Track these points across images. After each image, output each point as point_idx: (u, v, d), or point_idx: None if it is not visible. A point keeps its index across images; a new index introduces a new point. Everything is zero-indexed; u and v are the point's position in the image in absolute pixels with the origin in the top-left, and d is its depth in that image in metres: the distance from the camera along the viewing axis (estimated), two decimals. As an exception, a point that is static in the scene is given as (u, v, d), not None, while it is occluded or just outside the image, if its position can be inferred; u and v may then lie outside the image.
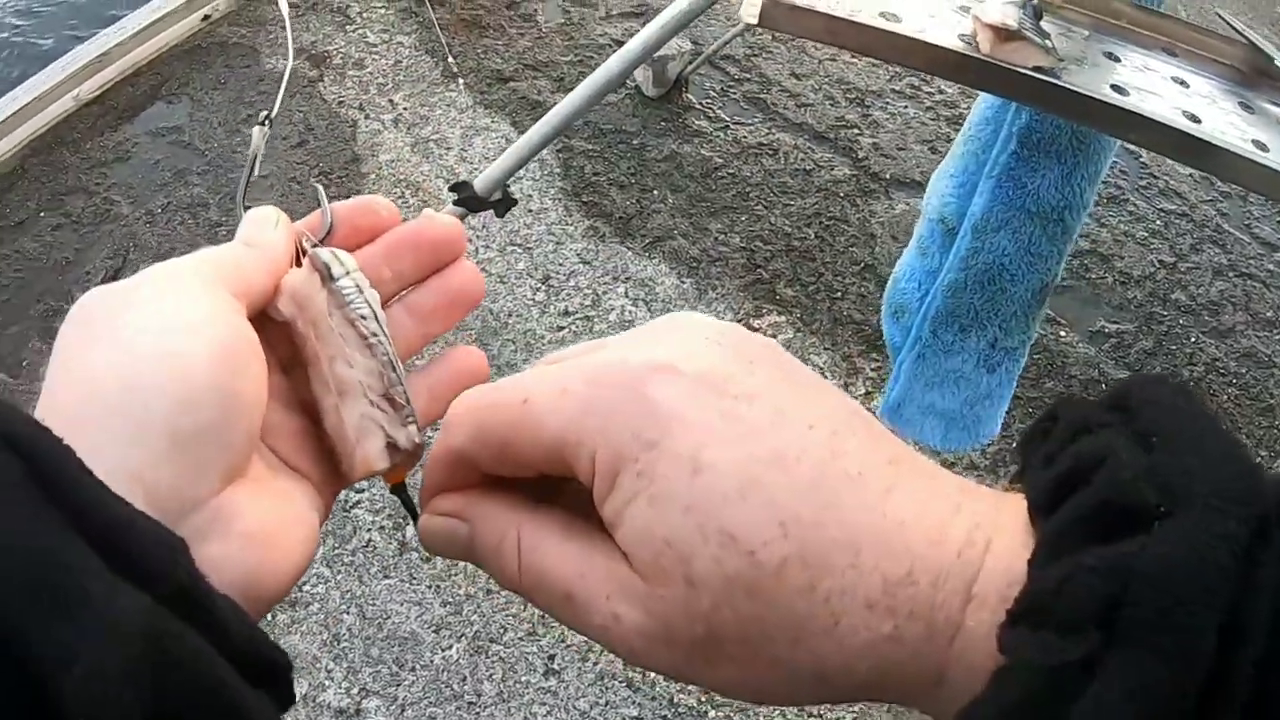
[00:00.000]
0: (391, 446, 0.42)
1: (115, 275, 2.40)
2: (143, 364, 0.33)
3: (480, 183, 1.39)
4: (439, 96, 2.60)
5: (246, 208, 0.44)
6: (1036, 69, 1.08)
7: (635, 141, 2.46)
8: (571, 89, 1.36)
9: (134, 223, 2.48)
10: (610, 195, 2.38)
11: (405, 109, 2.57)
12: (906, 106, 2.62)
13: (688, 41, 2.58)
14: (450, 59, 2.58)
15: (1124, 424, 0.29)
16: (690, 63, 2.57)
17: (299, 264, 0.42)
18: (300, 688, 1.83)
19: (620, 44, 2.67)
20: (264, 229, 0.41)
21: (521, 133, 2.48)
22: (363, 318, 0.41)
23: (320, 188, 0.47)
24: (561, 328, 2.17)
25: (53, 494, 0.28)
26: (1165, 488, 0.26)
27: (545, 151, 2.43)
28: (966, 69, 1.10)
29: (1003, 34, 1.07)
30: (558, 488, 0.36)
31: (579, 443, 0.32)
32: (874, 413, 1.97)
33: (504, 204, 1.40)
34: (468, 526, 0.37)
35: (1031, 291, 1.53)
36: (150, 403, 0.33)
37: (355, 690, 1.82)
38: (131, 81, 2.77)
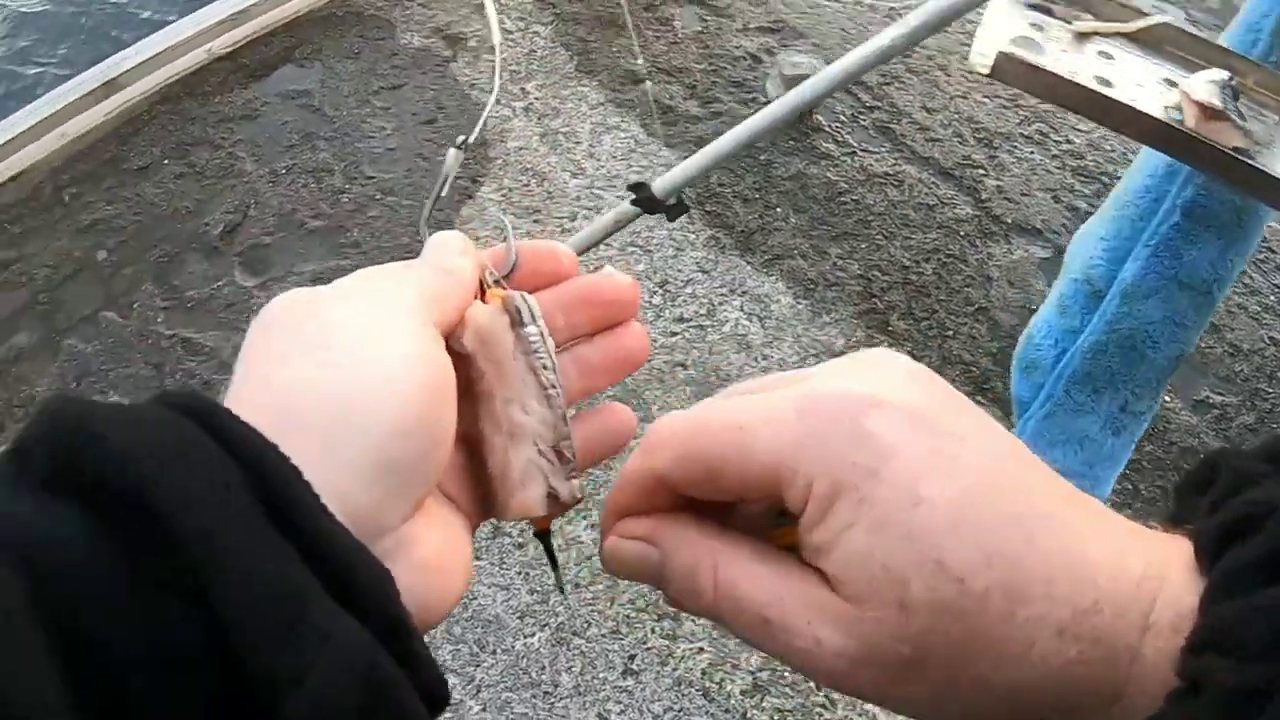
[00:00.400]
0: (552, 497, 0.42)
1: (234, 230, 2.42)
2: (362, 387, 0.34)
3: (659, 185, 1.39)
4: (571, 90, 2.60)
5: (431, 228, 0.44)
6: (1235, 149, 1.11)
7: (763, 157, 2.45)
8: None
9: (256, 180, 2.50)
10: (734, 208, 2.37)
11: (536, 99, 2.58)
12: (1033, 152, 2.59)
13: (822, 62, 2.57)
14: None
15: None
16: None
17: (480, 296, 0.43)
18: (380, 658, 1.83)
19: (755, 58, 2.68)
20: (453, 256, 0.42)
21: (651, 135, 2.50)
22: (545, 368, 0.41)
23: (508, 223, 0.47)
24: (675, 334, 2.16)
25: (280, 513, 0.29)
26: None
27: (673, 158, 2.43)
28: (1174, 141, 1.17)
29: (1208, 112, 1.13)
30: (730, 510, 0.38)
31: (795, 471, 0.33)
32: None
33: (678, 209, 1.40)
34: (659, 552, 0.37)
35: (1169, 360, 1.54)
36: (368, 426, 0.33)
37: (434, 667, 1.82)
38: (265, 41, 2.80)
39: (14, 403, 2.25)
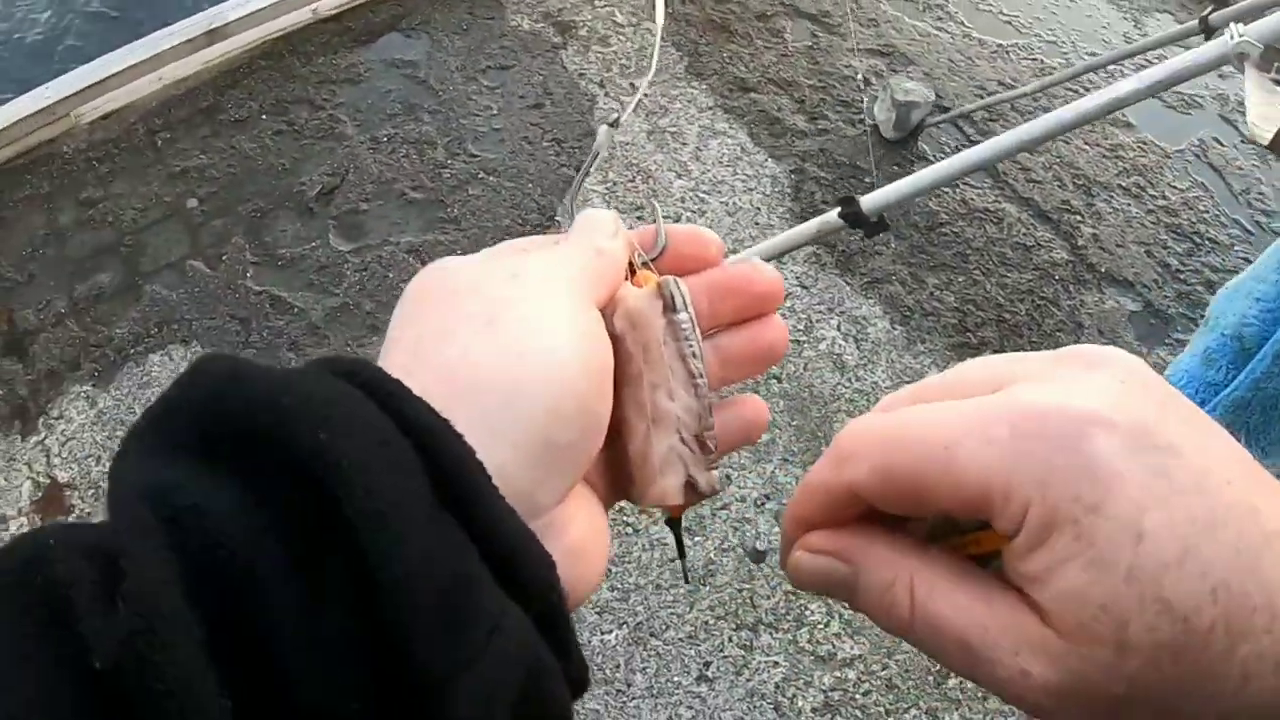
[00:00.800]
0: (690, 486, 0.41)
1: (331, 192, 2.41)
2: (530, 365, 0.33)
3: (867, 201, 1.39)
4: (680, 91, 2.59)
5: (579, 206, 0.43)
6: None
7: (867, 179, 2.44)
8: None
9: (357, 145, 2.49)
10: (836, 226, 2.37)
11: (646, 95, 2.56)
12: (1129, 204, 2.58)
13: (932, 92, 2.56)
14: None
15: None
16: (931, 113, 2.55)
17: (629, 276, 0.43)
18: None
19: (865, 80, 2.67)
20: (606, 235, 0.41)
21: (757, 144, 2.49)
22: (693, 355, 0.41)
23: (658, 206, 0.47)
24: (772, 345, 2.15)
25: (451, 494, 0.28)
26: None
27: (778, 169, 2.42)
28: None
29: None
30: (919, 524, 0.36)
31: (1008, 496, 0.30)
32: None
33: (879, 227, 1.39)
34: (849, 567, 0.35)
35: None
36: (535, 409, 0.33)
37: (508, 655, 1.81)
38: (371, 8, 2.79)
39: (91, 342, 2.23)
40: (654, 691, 1.78)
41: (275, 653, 0.25)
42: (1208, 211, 2.61)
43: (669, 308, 0.40)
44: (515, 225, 2.30)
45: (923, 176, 1.39)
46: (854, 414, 2.07)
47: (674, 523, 0.45)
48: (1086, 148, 2.67)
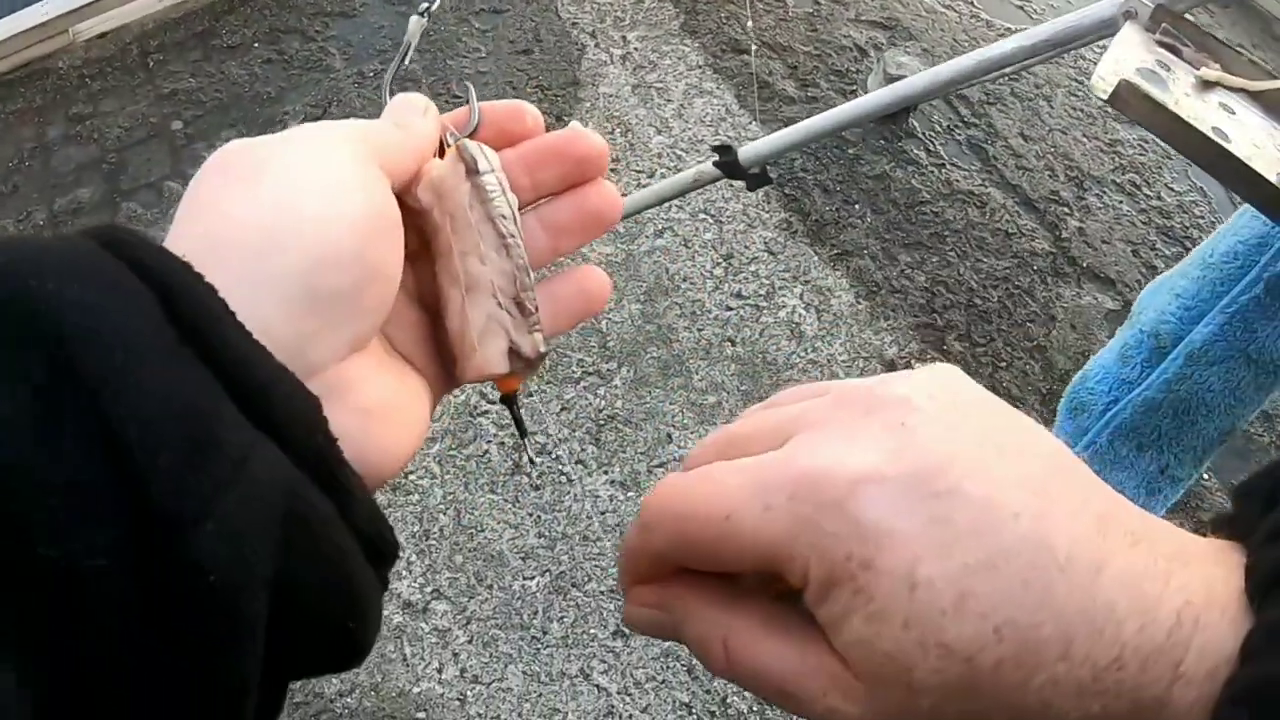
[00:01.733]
0: (514, 353, 0.41)
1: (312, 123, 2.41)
2: (288, 217, 0.33)
3: (745, 152, 1.36)
4: (672, 47, 2.56)
5: (393, 93, 0.43)
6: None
7: (850, 151, 2.40)
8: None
9: (343, 79, 2.49)
10: (812, 195, 2.33)
11: (636, 49, 2.54)
12: (1122, 201, 2.53)
13: (928, 67, 2.52)
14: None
15: None
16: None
17: (441, 156, 0.42)
18: (377, 572, 1.82)
19: (861, 50, 2.63)
20: (413, 115, 0.41)
21: (744, 107, 2.46)
22: (503, 216, 0.40)
23: (470, 86, 0.45)
24: (730, 309, 2.13)
25: (194, 336, 0.27)
26: None
27: (761, 133, 2.39)
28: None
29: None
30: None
31: (791, 557, 0.31)
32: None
33: (760, 179, 1.37)
34: (673, 618, 0.37)
35: (1220, 431, 1.51)
36: (291, 257, 0.32)
37: (429, 589, 1.81)
38: (374, -57, 2.78)
39: (65, 253, 2.25)
40: (568, 642, 1.78)
41: (12, 509, 0.24)
42: (1203, 217, 2.55)
43: (471, 170, 0.40)
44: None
45: (798, 129, 1.36)
46: (806, 382, 2.05)
47: (509, 399, 0.44)
48: (1084, 140, 2.61)
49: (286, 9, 2.63)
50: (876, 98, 1.32)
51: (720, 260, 2.20)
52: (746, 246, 2.23)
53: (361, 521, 0.31)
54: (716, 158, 1.39)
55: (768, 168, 1.39)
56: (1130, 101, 1.14)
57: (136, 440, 0.25)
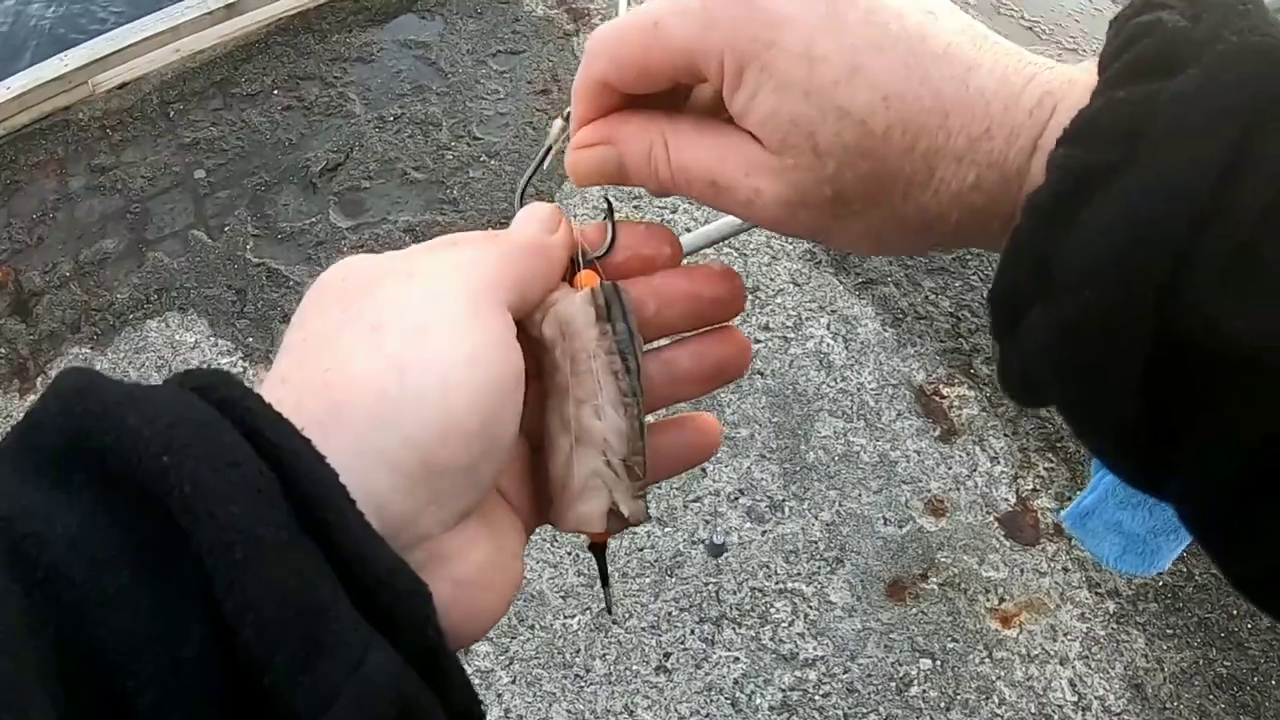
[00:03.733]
0: (614, 514, 0.38)
1: (335, 169, 2.43)
2: (413, 382, 0.31)
3: None
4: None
5: (527, 199, 0.40)
6: None
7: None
8: None
9: (364, 124, 2.51)
10: (834, 225, 2.35)
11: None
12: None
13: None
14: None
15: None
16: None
17: (570, 273, 0.39)
18: (418, 617, 1.83)
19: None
20: (545, 230, 0.38)
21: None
22: (627, 373, 0.37)
23: (611, 203, 0.42)
24: (759, 341, 2.14)
25: (313, 524, 0.27)
26: (1194, 39, 0.29)
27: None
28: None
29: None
30: (684, 97, 0.40)
31: (706, 52, 0.35)
32: (1049, 515, 1.93)
33: None
34: (615, 150, 0.39)
35: None
36: (414, 429, 0.31)
37: (471, 634, 1.81)
38: (389, -12, 2.81)
39: (93, 305, 2.27)
40: (612, 679, 1.78)
41: (121, 686, 0.24)
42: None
43: (603, 316, 0.37)
44: (513, 209, 2.30)
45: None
46: (836, 414, 2.06)
47: (597, 549, 0.42)
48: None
49: (304, 55, 2.65)
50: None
51: (746, 292, 2.20)
52: (772, 279, 2.24)
53: (458, 703, 0.30)
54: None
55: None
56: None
57: (254, 636, 0.24)
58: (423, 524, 0.31)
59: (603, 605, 1.88)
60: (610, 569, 0.43)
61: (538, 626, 1.83)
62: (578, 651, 1.81)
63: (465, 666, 0.31)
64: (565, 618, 1.84)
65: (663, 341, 0.41)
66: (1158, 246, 0.27)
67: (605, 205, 0.42)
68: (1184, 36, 0.30)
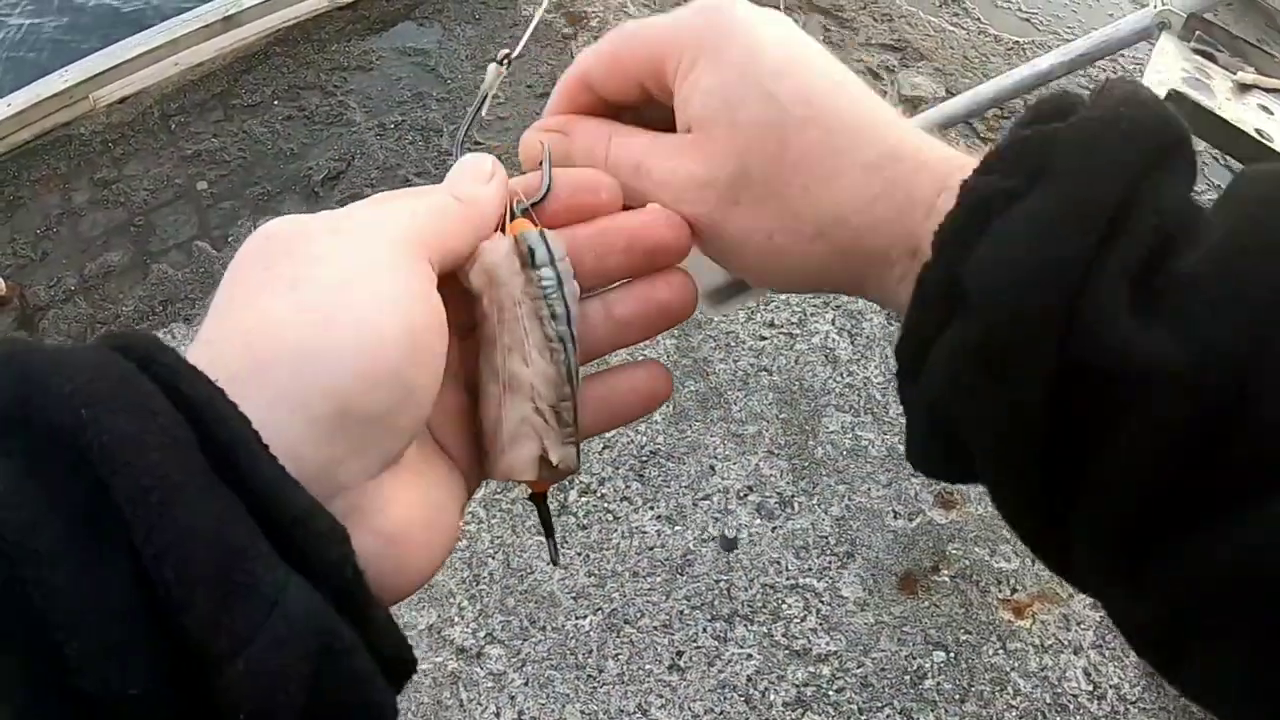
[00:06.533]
0: (544, 460, 0.38)
1: (337, 177, 2.43)
2: (327, 332, 0.31)
3: None
4: (686, 82, 2.59)
5: (465, 149, 0.41)
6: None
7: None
8: None
9: (364, 132, 2.51)
10: (836, 220, 2.35)
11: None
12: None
13: (943, 89, 2.54)
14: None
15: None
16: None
17: (508, 221, 0.39)
18: (429, 618, 1.82)
19: (874, 74, 2.64)
20: (477, 182, 0.38)
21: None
22: (553, 317, 0.37)
23: (546, 146, 0.42)
24: (764, 338, 2.14)
25: (228, 470, 0.27)
26: (1085, 100, 0.34)
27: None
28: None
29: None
30: (635, 115, 0.44)
31: (672, 48, 0.40)
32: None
33: None
34: (566, 139, 0.43)
35: None
36: (327, 377, 0.31)
37: (482, 634, 1.81)
38: (387, -4, 2.81)
39: (98, 319, 2.27)
40: (624, 679, 1.78)
41: (53, 638, 0.24)
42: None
43: (526, 263, 0.37)
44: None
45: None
46: (843, 409, 2.06)
47: (538, 499, 0.42)
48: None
49: (304, 65, 2.66)
50: (922, 121, 1.34)
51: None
52: (776, 275, 2.24)
53: (383, 646, 0.31)
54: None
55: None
56: (1180, 111, 1.18)
57: (173, 578, 0.25)
58: (342, 473, 0.31)
59: (611, 606, 1.89)
60: (554, 525, 0.44)
61: (549, 628, 1.83)
62: (590, 652, 1.80)
63: (396, 618, 0.32)
64: (577, 619, 1.84)
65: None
66: (1060, 262, 0.30)
67: (544, 151, 0.42)
68: (1077, 97, 0.34)
